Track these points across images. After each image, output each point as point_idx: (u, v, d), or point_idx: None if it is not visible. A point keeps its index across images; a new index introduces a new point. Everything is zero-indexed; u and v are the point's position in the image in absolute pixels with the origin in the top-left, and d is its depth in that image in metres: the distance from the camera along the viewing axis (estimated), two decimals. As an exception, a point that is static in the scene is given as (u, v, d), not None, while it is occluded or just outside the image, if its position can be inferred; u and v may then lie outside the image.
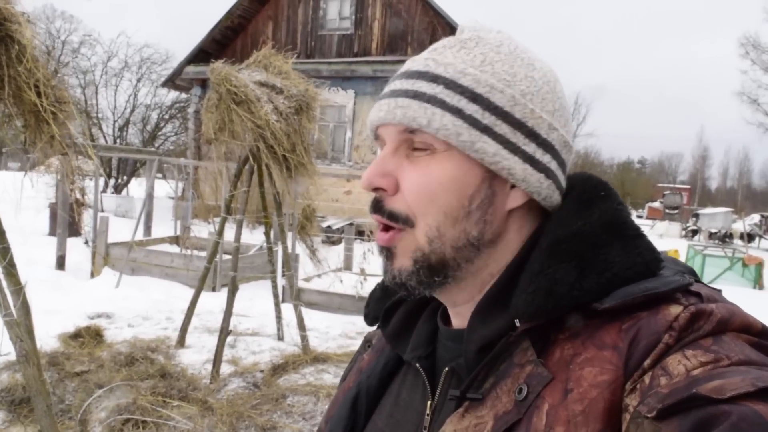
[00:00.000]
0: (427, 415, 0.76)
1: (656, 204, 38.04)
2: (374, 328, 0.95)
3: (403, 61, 0.87)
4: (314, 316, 7.07)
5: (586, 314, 0.66)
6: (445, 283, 0.74)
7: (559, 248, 0.69)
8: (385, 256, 0.76)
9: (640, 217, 48.30)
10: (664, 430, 0.52)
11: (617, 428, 0.58)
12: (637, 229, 0.71)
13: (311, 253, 10.01)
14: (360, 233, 12.00)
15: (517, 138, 0.72)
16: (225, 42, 16.18)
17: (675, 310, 0.61)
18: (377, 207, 0.74)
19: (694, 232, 28.32)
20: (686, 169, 72.05)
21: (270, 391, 4.49)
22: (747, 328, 0.61)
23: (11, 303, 3.22)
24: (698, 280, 0.70)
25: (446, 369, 0.77)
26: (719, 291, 0.68)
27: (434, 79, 0.72)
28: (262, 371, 4.97)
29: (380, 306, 0.90)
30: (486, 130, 0.70)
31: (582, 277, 0.66)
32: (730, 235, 26.36)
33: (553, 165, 0.75)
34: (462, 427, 0.67)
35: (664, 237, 26.77)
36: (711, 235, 26.49)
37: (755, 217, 30.31)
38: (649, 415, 0.54)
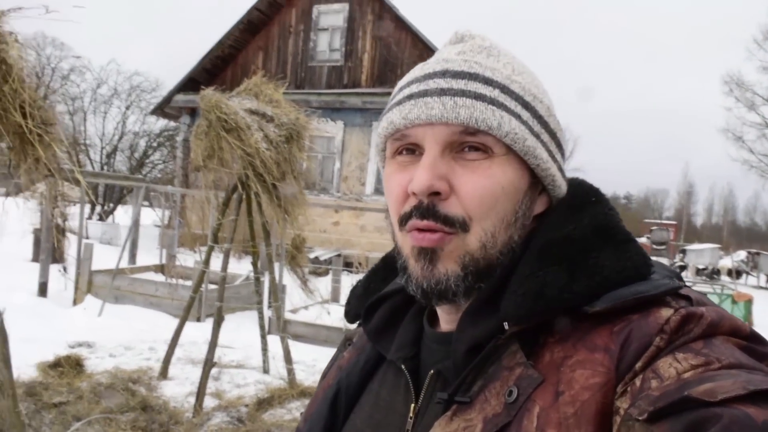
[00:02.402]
0: (410, 418, 0.75)
1: (643, 239, 38.19)
2: (355, 325, 0.94)
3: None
4: (301, 348, 6.94)
5: (576, 317, 0.65)
6: (481, 287, 0.73)
7: (549, 251, 0.69)
8: (428, 260, 0.72)
9: (626, 252, 48.37)
10: None
11: (608, 431, 0.58)
12: (627, 233, 0.72)
13: (302, 283, 9.90)
14: (348, 264, 11.89)
15: (553, 147, 0.76)
16: (215, 71, 16.19)
17: (666, 313, 0.62)
18: (430, 211, 0.70)
19: (682, 268, 28.33)
20: (672, 204, 72.68)
21: (255, 426, 4.36)
22: (736, 331, 0.61)
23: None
24: (686, 285, 0.70)
25: (431, 371, 0.75)
26: (705, 295, 0.69)
27: (488, 82, 0.72)
28: (246, 405, 4.83)
29: (362, 303, 0.89)
30: (538, 137, 0.73)
31: (572, 280, 0.66)
32: (718, 272, 26.40)
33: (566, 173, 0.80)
34: (450, 430, 0.66)
35: (650, 272, 26.72)
36: (698, 271, 26.53)
37: (741, 254, 30.42)
38: (640, 418, 0.53)
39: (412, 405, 0.76)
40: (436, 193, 0.70)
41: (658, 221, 50.77)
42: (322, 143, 14.75)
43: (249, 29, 16.08)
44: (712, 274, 25.78)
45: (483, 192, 0.70)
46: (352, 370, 0.87)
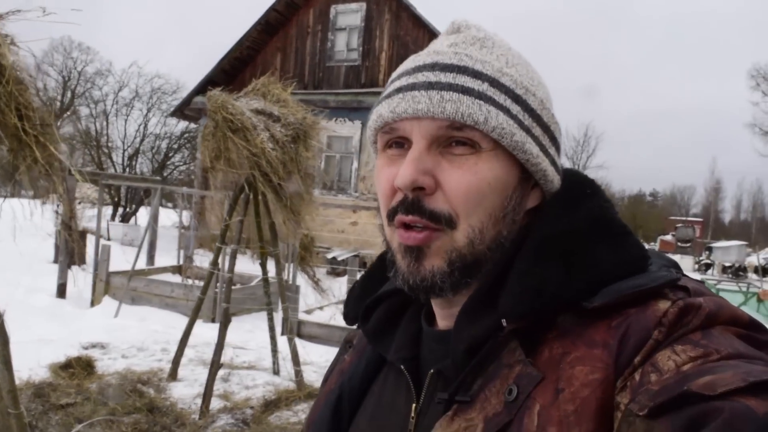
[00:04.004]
0: (412, 418, 0.75)
1: (668, 237, 37.68)
2: (354, 327, 0.92)
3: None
4: (314, 349, 6.91)
5: (574, 313, 0.65)
6: (471, 284, 0.72)
7: (546, 247, 0.69)
8: (414, 257, 0.71)
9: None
10: (656, 429, 0.52)
11: (609, 427, 0.57)
12: (624, 226, 0.71)
13: (314, 283, 9.88)
14: (364, 265, 11.85)
15: (546, 141, 0.75)
16: (234, 73, 16.24)
17: (663, 305, 0.61)
18: (415, 206, 0.70)
19: (708, 266, 27.94)
20: (699, 201, 71.35)
21: (259, 428, 4.33)
22: (735, 320, 0.61)
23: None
24: (684, 275, 0.69)
25: (431, 371, 0.75)
26: (703, 283, 0.68)
27: (477, 75, 0.70)
28: (252, 408, 4.80)
29: (359, 304, 0.87)
30: (528, 131, 0.71)
31: (570, 275, 0.65)
32: (744, 269, 25.94)
33: (561, 167, 0.78)
34: (451, 430, 0.66)
35: (676, 271, 26.35)
36: (725, 269, 26.10)
37: (769, 251, 29.86)
38: (640, 414, 0.53)
39: (414, 405, 0.75)
40: (421, 188, 0.70)
41: (684, 218, 50.05)
42: (339, 143, 14.75)
43: (267, 30, 16.12)
44: (738, 272, 25.31)
45: (468, 188, 0.69)
46: (353, 374, 0.86)
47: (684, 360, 0.56)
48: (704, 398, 0.50)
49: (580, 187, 0.75)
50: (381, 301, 0.86)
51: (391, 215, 0.73)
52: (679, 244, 34.24)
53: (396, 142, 0.74)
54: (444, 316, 0.78)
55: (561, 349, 0.64)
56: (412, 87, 0.71)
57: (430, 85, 0.70)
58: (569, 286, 0.65)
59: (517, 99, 0.71)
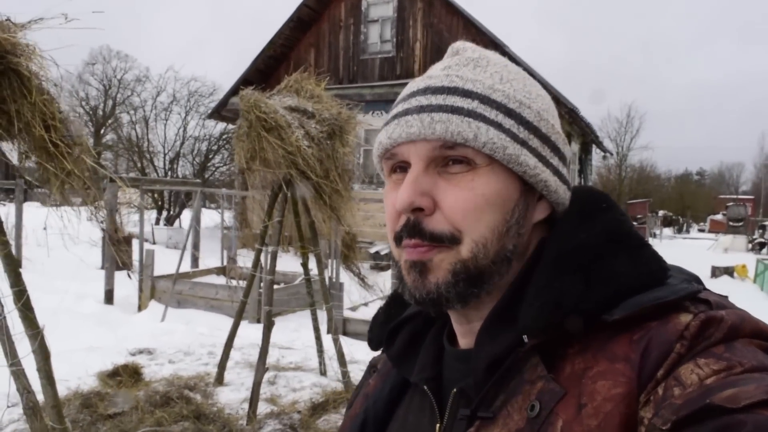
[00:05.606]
0: None
1: (719, 216, 36.62)
2: (379, 352, 0.93)
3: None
4: (360, 347, 6.80)
5: (595, 326, 0.64)
6: (479, 296, 0.72)
7: (564, 261, 0.69)
8: (419, 272, 0.72)
9: (702, 230, 46.71)
10: None
11: None
12: (641, 238, 0.71)
13: (360, 280, 9.78)
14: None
15: (546, 152, 0.74)
16: (268, 71, 16.24)
17: (685, 318, 0.61)
18: (416, 229, 0.71)
19: (762, 245, 26.98)
20: (748, 178, 69.15)
21: (307, 434, 4.23)
22: (758, 333, 0.60)
23: (30, 347, 3.07)
24: (705, 288, 0.68)
25: (454, 390, 0.75)
26: (726, 297, 0.67)
27: (467, 94, 0.72)
28: (299, 412, 4.70)
29: (384, 329, 0.88)
30: (524, 144, 0.71)
31: (589, 289, 0.65)
32: (801, 247, 24.97)
33: (569, 177, 0.78)
34: None
35: (729, 251, 25.57)
36: (780, 248, 25.15)
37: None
38: (664, 428, 0.53)
39: (438, 425, 0.75)
40: (420, 209, 0.71)
41: (734, 197, 48.55)
42: (377, 137, 14.62)
43: (299, 27, 16.07)
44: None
45: (465, 205, 0.70)
46: (378, 398, 0.87)
47: (707, 373, 0.56)
48: (727, 411, 0.50)
49: (595, 202, 0.76)
50: (404, 325, 0.87)
51: (398, 239, 0.74)
52: (730, 223, 33.17)
53: (399, 166, 0.76)
54: (464, 334, 0.79)
55: (583, 363, 0.64)
56: (406, 112, 0.73)
57: (421, 109, 0.72)
58: (588, 299, 0.64)
59: (509, 113, 0.72)
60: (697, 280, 0.72)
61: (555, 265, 0.69)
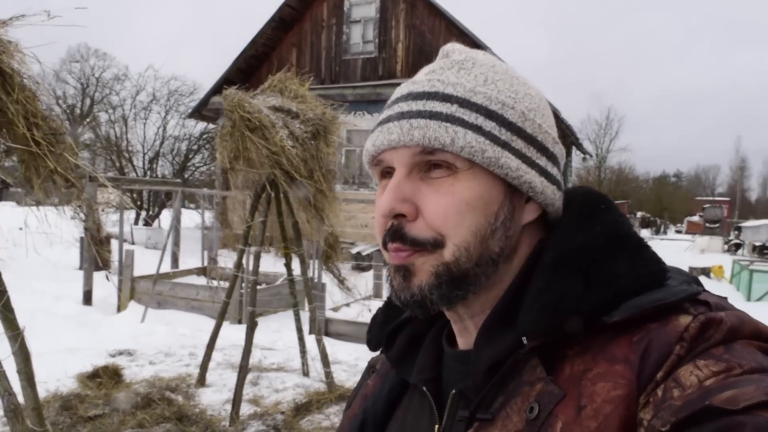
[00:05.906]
0: None
1: (695, 218, 37.05)
2: (377, 353, 0.94)
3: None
4: (342, 347, 6.80)
5: (594, 328, 0.64)
6: (465, 297, 0.73)
7: (563, 262, 0.68)
8: (402, 276, 0.73)
9: (679, 231, 47.23)
10: None
11: None
12: (640, 240, 0.71)
13: (339, 282, 9.77)
14: (389, 259, 11.70)
15: (531, 152, 0.73)
16: (250, 71, 16.15)
17: (684, 320, 0.61)
18: (398, 234, 0.71)
19: (738, 246, 27.37)
20: (724, 181, 70.20)
21: (291, 434, 4.21)
22: (758, 334, 0.61)
23: (10, 348, 3.02)
24: (705, 289, 0.69)
25: (453, 392, 0.74)
26: (725, 298, 0.67)
27: (447, 98, 0.72)
28: (283, 413, 4.68)
29: (383, 330, 0.88)
30: (505, 145, 0.71)
31: (588, 290, 0.65)
32: (775, 248, 25.35)
33: (559, 177, 0.77)
34: None
35: (705, 252, 25.93)
36: (755, 249, 25.53)
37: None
38: (663, 429, 0.53)
39: (437, 426, 0.75)
40: (402, 215, 0.71)
41: (710, 198, 49.18)
42: (359, 137, 14.59)
43: (281, 26, 16.00)
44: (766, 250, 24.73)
45: (446, 210, 0.70)
46: (377, 398, 0.87)
47: (706, 375, 0.56)
48: (726, 413, 0.50)
49: (594, 203, 0.75)
50: (404, 326, 0.87)
51: (384, 243, 0.74)
52: (707, 224, 33.62)
53: (387, 172, 0.76)
54: (460, 332, 0.79)
55: (582, 365, 0.64)
56: (388, 119, 0.74)
57: (402, 115, 0.72)
58: (588, 301, 0.64)
59: (490, 115, 0.71)
60: (697, 281, 0.72)
61: (554, 267, 0.69)
